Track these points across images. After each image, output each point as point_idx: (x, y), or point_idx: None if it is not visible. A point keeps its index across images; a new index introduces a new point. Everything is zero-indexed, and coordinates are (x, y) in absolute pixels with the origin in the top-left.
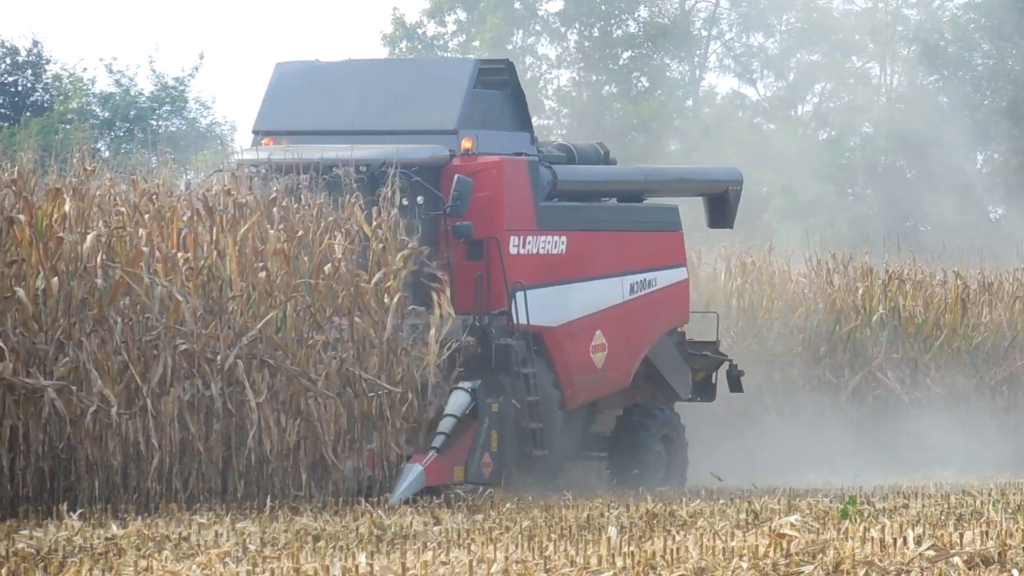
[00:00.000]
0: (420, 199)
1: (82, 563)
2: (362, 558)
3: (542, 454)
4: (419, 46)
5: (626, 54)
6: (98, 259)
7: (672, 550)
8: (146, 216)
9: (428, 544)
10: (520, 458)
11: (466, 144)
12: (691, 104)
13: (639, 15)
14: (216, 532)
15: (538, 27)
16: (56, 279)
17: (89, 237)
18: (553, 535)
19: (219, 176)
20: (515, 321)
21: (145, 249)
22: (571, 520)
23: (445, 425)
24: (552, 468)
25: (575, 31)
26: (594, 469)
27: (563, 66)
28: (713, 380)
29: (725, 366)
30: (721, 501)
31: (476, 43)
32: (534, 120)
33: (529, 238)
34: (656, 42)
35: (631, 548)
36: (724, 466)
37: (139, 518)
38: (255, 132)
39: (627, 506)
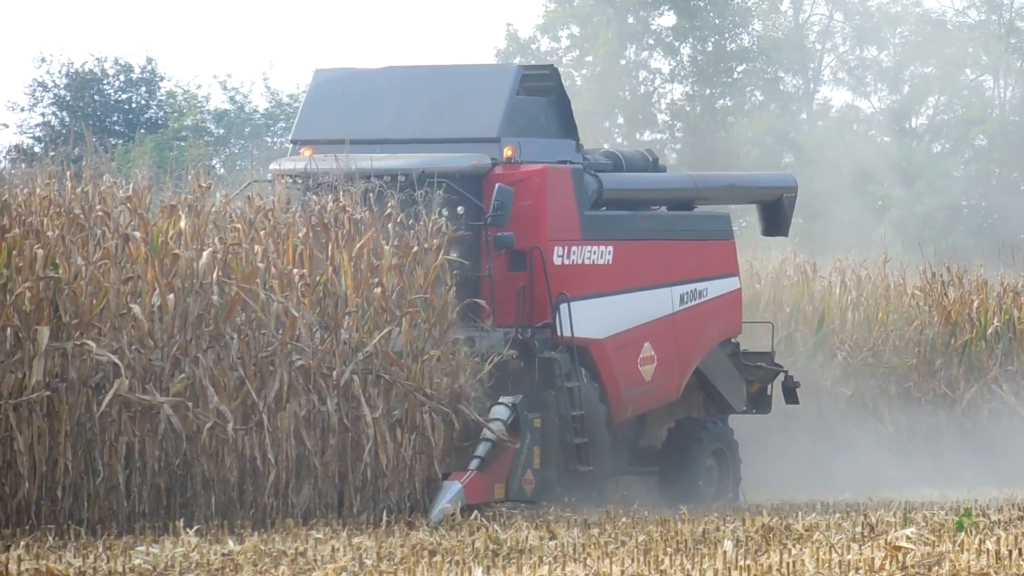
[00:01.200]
0: (460, 209)
1: None
2: (478, 572)
3: (587, 470)
4: (532, 61)
5: (740, 68)
6: (214, 275)
7: (788, 563)
8: (262, 232)
9: (544, 559)
10: (564, 474)
11: (508, 152)
12: (805, 117)
13: (753, 28)
14: (332, 547)
15: (651, 41)
16: (172, 296)
17: (205, 254)
18: (669, 549)
19: (254, 188)
20: (559, 334)
21: (261, 265)
22: (686, 534)
23: (482, 449)
24: (598, 484)
25: (688, 45)
26: (644, 485)
27: (676, 80)
28: (768, 392)
29: (780, 377)
30: (837, 514)
31: (589, 58)
32: (647, 135)
33: (574, 248)
34: (770, 55)
35: (747, 562)
36: (838, 479)
37: (255, 533)
38: (293, 142)
39: (742, 520)
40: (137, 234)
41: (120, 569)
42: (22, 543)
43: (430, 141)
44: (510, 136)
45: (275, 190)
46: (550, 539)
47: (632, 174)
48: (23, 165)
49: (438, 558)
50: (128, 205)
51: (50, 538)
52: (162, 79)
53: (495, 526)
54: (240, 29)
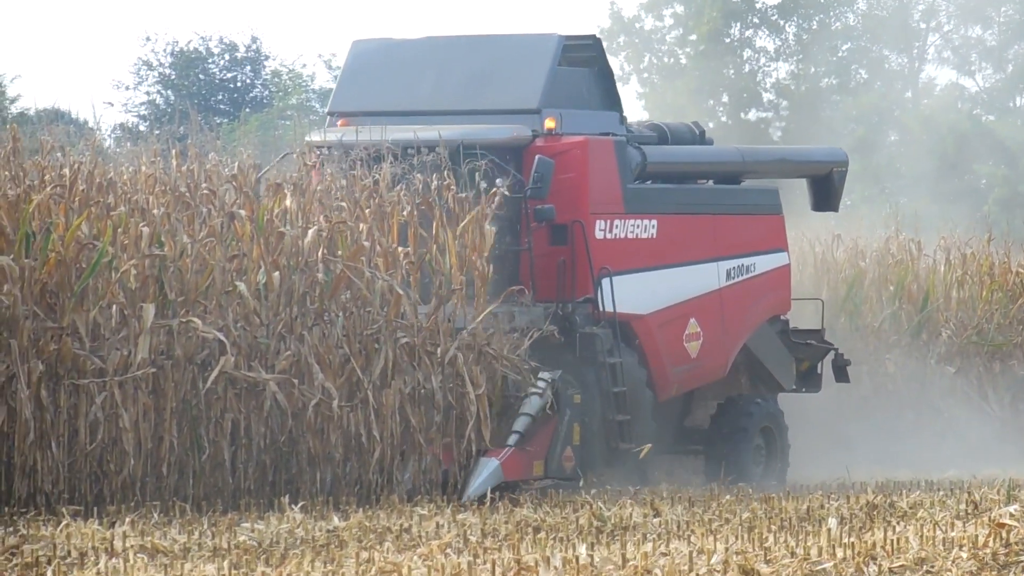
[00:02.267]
0: (500, 181)
1: (304, 555)
2: (582, 549)
3: (629, 448)
4: (636, 40)
5: (845, 46)
6: (319, 253)
7: (892, 541)
8: (367, 211)
9: (648, 536)
10: (606, 452)
11: (549, 124)
12: (910, 96)
13: (857, 7)
14: (437, 523)
15: (756, 20)
16: (277, 273)
17: (310, 232)
18: (773, 526)
19: (289, 159)
20: (601, 309)
21: (366, 243)
22: (790, 511)
23: (520, 424)
24: (642, 463)
25: (793, 23)
26: (689, 464)
27: (781, 59)
28: (819, 370)
29: (831, 355)
30: (941, 492)
31: (693, 36)
32: (752, 114)
33: (616, 222)
34: (874, 34)
35: (851, 539)
36: (943, 457)
37: (360, 510)
38: (330, 113)
39: (847, 497)
40: (243, 212)
41: (225, 545)
42: (127, 520)
43: (469, 113)
44: (551, 107)
45: (308, 162)
46: (654, 516)
47: (677, 147)
48: (128, 143)
49: (542, 535)
50: (234, 184)
51: (155, 515)
52: (267, 58)
53: (599, 503)
54: (343, 8)
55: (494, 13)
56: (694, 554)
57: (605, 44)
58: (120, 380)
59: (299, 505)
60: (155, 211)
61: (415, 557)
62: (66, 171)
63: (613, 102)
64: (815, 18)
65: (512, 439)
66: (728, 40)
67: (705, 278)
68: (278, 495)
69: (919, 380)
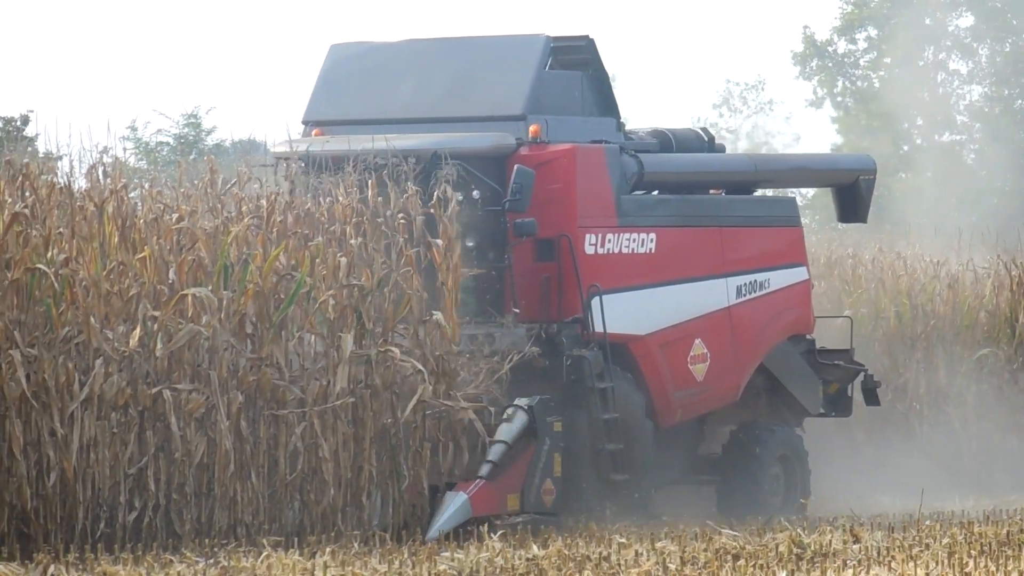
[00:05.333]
0: (476, 193)
1: None
2: None
3: (622, 479)
4: (829, 64)
5: None
6: None
7: None
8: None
9: (848, 562)
10: (596, 484)
11: (533, 130)
12: None
13: None
14: (636, 551)
15: (949, 43)
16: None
17: None
18: (973, 552)
19: (261, 172)
20: (591, 330)
21: None
22: (990, 536)
23: (495, 453)
24: (640, 495)
25: (986, 46)
26: (700, 495)
27: (975, 81)
28: (849, 392)
29: (860, 377)
30: None
31: (887, 60)
32: (946, 136)
33: (609, 235)
34: None
35: None
36: None
37: (559, 538)
38: (304, 123)
39: None
40: (439, 242)
41: (425, 575)
42: (328, 550)
43: (451, 120)
44: (537, 113)
45: (276, 175)
46: (854, 542)
47: (679, 155)
48: (325, 175)
49: (741, 562)
50: (432, 211)
51: (355, 544)
52: None
53: (798, 530)
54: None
55: (519, 14)
56: None
57: (797, 69)
58: (320, 410)
59: (498, 534)
60: (352, 241)
61: None
62: (263, 202)
63: (609, 107)
64: (1008, 40)
65: (484, 470)
66: (921, 63)
67: (712, 295)
68: (477, 524)
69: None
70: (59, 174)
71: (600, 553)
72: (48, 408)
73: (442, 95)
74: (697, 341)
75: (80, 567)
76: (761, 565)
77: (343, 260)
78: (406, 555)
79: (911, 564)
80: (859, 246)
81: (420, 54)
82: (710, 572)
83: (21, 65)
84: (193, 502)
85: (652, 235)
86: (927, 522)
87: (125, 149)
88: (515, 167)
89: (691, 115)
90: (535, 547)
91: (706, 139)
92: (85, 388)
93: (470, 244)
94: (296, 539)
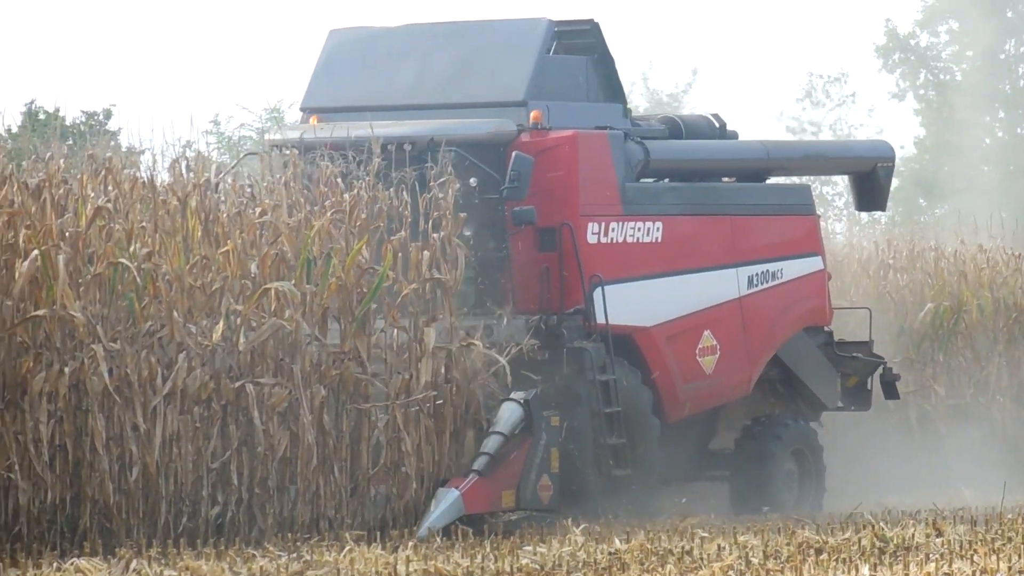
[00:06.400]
0: (474, 181)
1: None
2: (865, 570)
3: (624, 474)
4: (911, 57)
5: None
6: None
7: None
8: None
9: (930, 556)
10: (598, 479)
11: (535, 116)
12: None
13: None
14: (719, 545)
15: None
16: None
17: None
18: None
19: (250, 160)
20: (593, 321)
21: None
22: None
23: (491, 444)
24: (645, 490)
25: None
26: (711, 491)
27: None
28: (868, 386)
29: (879, 370)
30: None
31: (970, 53)
32: None
33: (612, 224)
34: None
35: None
36: None
37: (642, 532)
38: (303, 110)
39: None
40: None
41: (508, 569)
42: (410, 544)
43: (451, 106)
44: (539, 99)
45: (271, 163)
46: (936, 536)
47: (688, 141)
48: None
49: (824, 556)
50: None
51: (438, 539)
52: None
53: (881, 524)
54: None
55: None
56: (977, 574)
57: (880, 62)
58: (402, 404)
59: (580, 528)
60: (434, 235)
61: None
62: (346, 196)
63: (615, 93)
64: None
65: (479, 463)
66: (1003, 56)
67: (722, 285)
68: (559, 518)
69: None
70: (142, 168)
71: (682, 547)
72: (131, 403)
73: (443, 81)
74: (706, 333)
75: (162, 562)
76: (844, 559)
77: (425, 254)
78: (488, 549)
79: (993, 558)
80: (940, 239)
81: (420, 39)
82: (792, 567)
83: (104, 59)
84: (275, 496)
85: (659, 224)
86: (1009, 516)
87: (208, 144)
88: (513, 154)
89: (775, 109)
90: (617, 541)
91: (717, 125)
92: (168, 383)
93: (467, 233)
94: (379, 533)
